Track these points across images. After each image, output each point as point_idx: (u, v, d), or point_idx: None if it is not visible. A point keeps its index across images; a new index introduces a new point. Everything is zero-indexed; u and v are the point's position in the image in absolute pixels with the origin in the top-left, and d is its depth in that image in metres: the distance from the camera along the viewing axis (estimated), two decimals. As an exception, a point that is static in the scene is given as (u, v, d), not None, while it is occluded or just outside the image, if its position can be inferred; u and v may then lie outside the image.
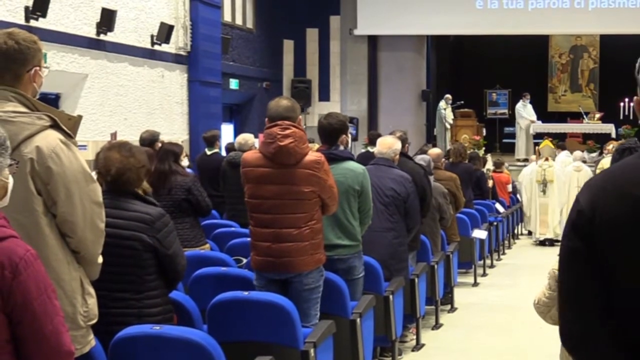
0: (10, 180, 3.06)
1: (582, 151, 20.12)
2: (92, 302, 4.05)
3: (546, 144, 18.25)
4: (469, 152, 16.02)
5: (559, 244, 2.38)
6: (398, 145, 8.10)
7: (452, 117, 25.27)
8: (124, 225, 4.79)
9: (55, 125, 3.88)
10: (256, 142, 10.68)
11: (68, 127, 3.96)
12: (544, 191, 16.57)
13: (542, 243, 16.71)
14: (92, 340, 4.09)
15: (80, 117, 4.17)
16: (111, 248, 4.47)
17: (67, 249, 3.94)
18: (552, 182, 16.56)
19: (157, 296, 4.89)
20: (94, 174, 4.25)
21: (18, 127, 3.74)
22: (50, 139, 3.83)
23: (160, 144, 10.57)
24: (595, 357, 2.22)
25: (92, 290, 4.07)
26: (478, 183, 14.57)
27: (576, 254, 2.24)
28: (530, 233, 17.51)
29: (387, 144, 8.07)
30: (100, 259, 4.11)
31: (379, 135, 11.82)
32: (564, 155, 19.07)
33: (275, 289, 5.85)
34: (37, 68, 3.96)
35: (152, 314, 4.81)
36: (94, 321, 4.07)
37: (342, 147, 6.82)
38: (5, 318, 2.82)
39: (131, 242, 4.81)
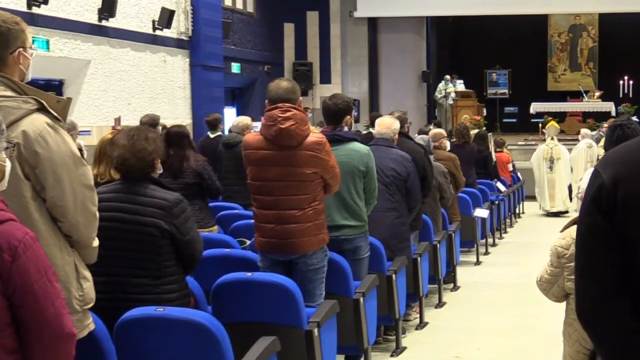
0: (8, 164, 3.04)
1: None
2: (88, 285, 3.98)
3: (552, 124, 18.48)
4: (475, 131, 16.08)
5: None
6: (397, 125, 8.10)
7: (454, 90, 25.33)
8: (141, 211, 4.74)
9: (42, 109, 3.78)
10: (257, 125, 10.70)
11: (57, 110, 3.85)
12: (551, 167, 17.28)
13: (555, 214, 17.14)
14: (90, 324, 4.04)
15: (69, 100, 4.07)
16: (129, 234, 4.48)
17: (60, 233, 3.87)
18: (560, 159, 17.33)
19: (174, 282, 4.85)
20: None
21: (4, 111, 3.58)
22: (37, 123, 3.73)
23: (160, 128, 10.62)
24: (613, 329, 2.24)
25: (87, 274, 4.00)
26: (484, 163, 14.59)
27: (596, 229, 2.25)
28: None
29: (386, 124, 8.06)
30: (96, 242, 4.03)
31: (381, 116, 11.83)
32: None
33: (279, 270, 5.86)
34: (21, 49, 3.80)
35: (170, 299, 4.76)
36: (91, 305, 4.02)
37: (346, 128, 6.81)
38: (5, 301, 2.81)
39: (149, 228, 4.74)
